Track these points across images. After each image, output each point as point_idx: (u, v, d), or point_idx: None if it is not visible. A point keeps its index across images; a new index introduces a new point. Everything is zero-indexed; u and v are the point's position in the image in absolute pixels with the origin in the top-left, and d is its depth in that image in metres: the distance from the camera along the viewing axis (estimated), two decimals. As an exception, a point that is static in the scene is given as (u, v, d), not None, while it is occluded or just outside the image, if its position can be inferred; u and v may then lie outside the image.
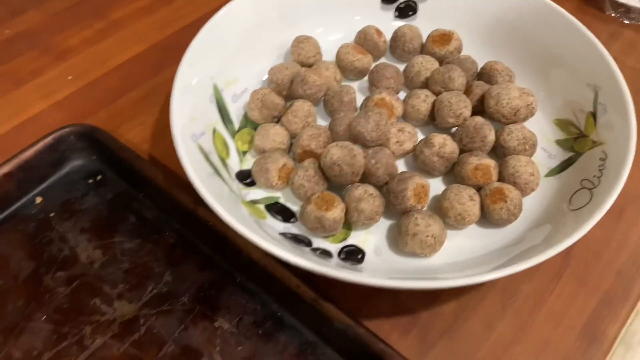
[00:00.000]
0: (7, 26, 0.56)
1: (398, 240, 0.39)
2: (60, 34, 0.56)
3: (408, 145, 0.43)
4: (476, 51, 0.50)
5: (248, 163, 0.44)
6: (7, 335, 0.36)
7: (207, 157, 0.40)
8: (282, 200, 0.42)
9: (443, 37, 0.50)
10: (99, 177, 0.44)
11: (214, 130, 0.43)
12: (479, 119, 0.43)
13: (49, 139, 0.43)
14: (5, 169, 0.41)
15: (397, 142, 0.43)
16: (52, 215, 0.42)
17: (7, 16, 0.57)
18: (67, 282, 0.39)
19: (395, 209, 0.39)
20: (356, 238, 0.40)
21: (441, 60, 0.49)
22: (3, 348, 0.36)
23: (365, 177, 0.40)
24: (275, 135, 0.43)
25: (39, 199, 0.42)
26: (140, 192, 0.43)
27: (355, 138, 0.41)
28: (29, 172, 0.42)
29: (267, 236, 0.35)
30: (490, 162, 0.41)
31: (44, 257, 0.40)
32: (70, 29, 0.56)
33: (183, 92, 0.42)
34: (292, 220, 0.41)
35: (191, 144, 0.39)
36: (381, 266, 0.39)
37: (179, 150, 0.37)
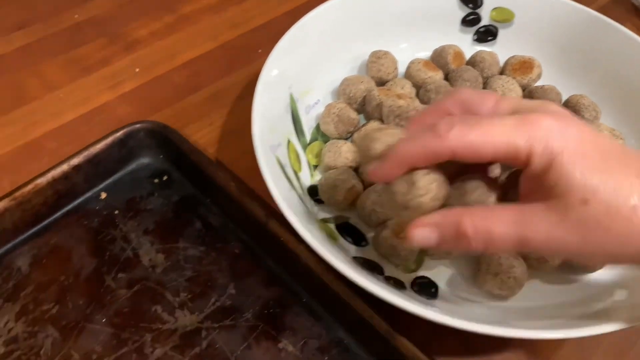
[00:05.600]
0: (76, 11, 0.55)
1: (476, 277, 0.37)
2: (128, 24, 0.55)
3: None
4: (557, 82, 0.49)
5: (318, 178, 0.42)
6: (67, 335, 0.35)
7: (283, 170, 0.39)
8: (352, 221, 0.41)
9: (523, 65, 0.48)
10: (164, 178, 0.43)
11: (289, 142, 0.42)
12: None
13: (119, 134, 0.41)
14: (75, 161, 0.40)
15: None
16: (116, 212, 0.40)
17: (77, 1, 0.56)
18: (128, 285, 0.37)
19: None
20: (429, 269, 0.39)
21: (523, 89, 0.48)
22: (62, 347, 0.34)
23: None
24: (348, 153, 0.42)
25: (103, 195, 0.41)
26: (208, 198, 0.41)
27: None
28: (96, 166, 0.41)
29: (344, 260, 0.34)
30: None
31: (106, 255, 0.38)
32: (138, 19, 0.55)
33: (263, 99, 0.40)
34: (363, 243, 0.39)
35: (270, 156, 0.38)
36: (455, 302, 0.37)
37: (261, 163, 0.36)
